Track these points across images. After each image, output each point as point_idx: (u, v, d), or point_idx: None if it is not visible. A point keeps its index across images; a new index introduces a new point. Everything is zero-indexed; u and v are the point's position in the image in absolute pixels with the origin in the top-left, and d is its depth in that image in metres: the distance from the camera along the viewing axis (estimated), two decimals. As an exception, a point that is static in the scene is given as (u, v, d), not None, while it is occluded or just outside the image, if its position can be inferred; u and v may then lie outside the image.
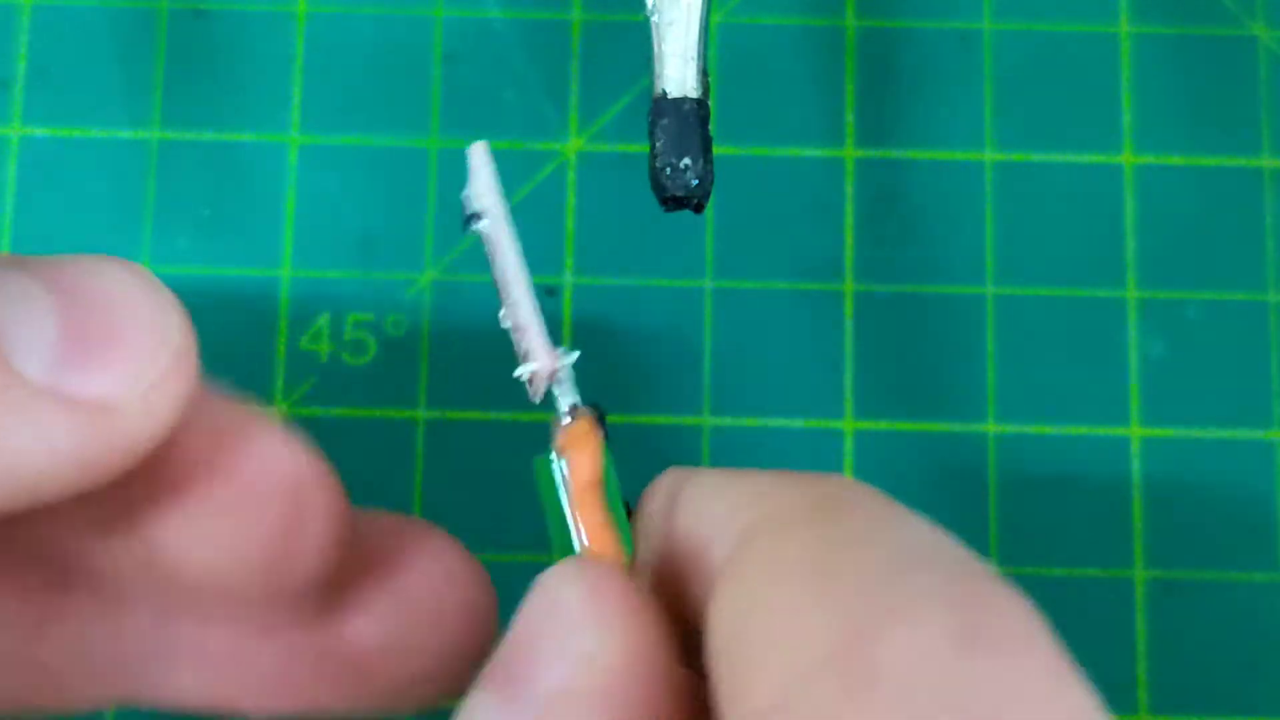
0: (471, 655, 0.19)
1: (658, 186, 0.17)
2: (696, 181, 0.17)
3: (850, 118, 0.28)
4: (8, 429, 0.16)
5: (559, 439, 0.16)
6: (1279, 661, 0.26)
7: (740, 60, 0.28)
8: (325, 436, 0.27)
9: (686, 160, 0.17)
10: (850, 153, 0.28)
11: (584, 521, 0.16)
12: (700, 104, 0.17)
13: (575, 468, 0.16)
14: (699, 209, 0.18)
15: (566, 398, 0.16)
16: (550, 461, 0.16)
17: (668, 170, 0.17)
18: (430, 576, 0.20)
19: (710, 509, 0.16)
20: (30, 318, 0.16)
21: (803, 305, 0.28)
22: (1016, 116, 0.28)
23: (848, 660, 0.13)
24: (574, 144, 0.28)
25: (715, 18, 0.28)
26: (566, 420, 0.16)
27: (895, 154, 0.28)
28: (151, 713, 0.21)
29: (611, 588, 0.15)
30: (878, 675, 0.12)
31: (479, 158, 0.17)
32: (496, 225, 0.16)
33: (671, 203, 0.17)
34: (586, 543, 0.16)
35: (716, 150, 0.28)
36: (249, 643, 0.20)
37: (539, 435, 0.27)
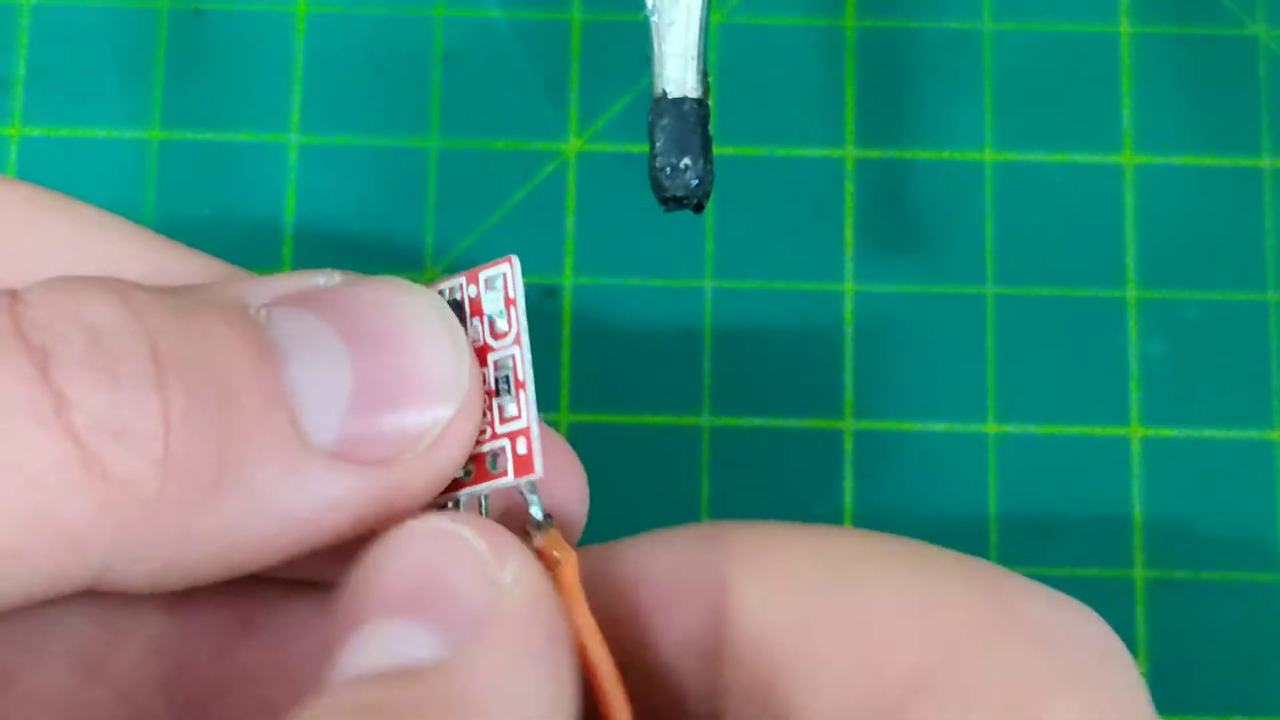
0: None
1: (657, 186, 0.17)
2: (696, 181, 0.17)
3: (850, 118, 0.28)
4: (290, 492, 0.15)
5: (538, 544, 0.16)
6: (1279, 661, 0.26)
7: (740, 60, 0.28)
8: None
9: (686, 160, 0.17)
10: (850, 153, 0.28)
11: (576, 617, 0.16)
12: (700, 104, 0.17)
13: (560, 572, 0.16)
14: (699, 209, 0.17)
15: (537, 508, 0.16)
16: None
17: (668, 170, 0.17)
18: None
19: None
20: (324, 372, 0.15)
21: (803, 305, 0.28)
22: (1016, 116, 0.28)
23: None
24: (574, 144, 0.28)
25: (715, 18, 0.28)
26: (541, 527, 0.16)
27: (895, 154, 0.28)
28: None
29: (509, 539, 0.16)
30: None
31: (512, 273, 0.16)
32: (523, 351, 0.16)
33: (671, 203, 0.17)
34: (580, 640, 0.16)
35: (716, 150, 0.28)
36: None
37: (539, 435, 0.27)
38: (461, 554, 0.15)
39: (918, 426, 0.27)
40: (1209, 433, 0.27)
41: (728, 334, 0.28)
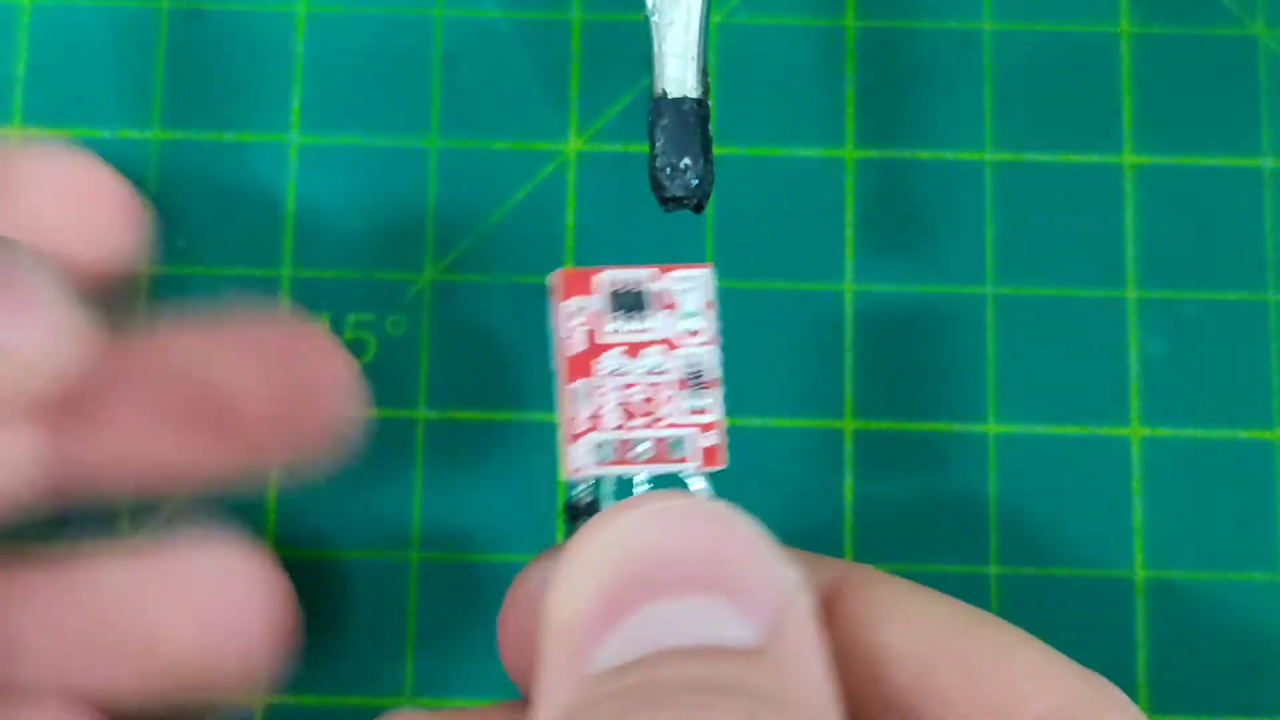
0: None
1: (657, 186, 0.17)
2: (696, 181, 0.17)
3: (850, 118, 0.28)
4: None
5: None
6: (1279, 661, 0.26)
7: (740, 60, 0.28)
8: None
9: (686, 160, 0.17)
10: (850, 153, 0.28)
11: None
12: (700, 104, 0.17)
13: None
14: (699, 209, 0.17)
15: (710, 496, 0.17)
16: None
17: (668, 170, 0.17)
18: None
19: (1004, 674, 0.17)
20: None
21: (803, 305, 0.28)
22: (1016, 116, 0.28)
23: None
24: (574, 144, 0.28)
25: (715, 18, 0.28)
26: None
27: (895, 154, 0.28)
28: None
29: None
30: None
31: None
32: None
33: (671, 203, 0.17)
34: None
35: (716, 150, 0.28)
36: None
37: (539, 435, 0.27)
38: (749, 542, 0.15)
39: (918, 426, 0.27)
40: (1209, 433, 0.27)
41: (727, 334, 0.28)
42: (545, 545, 0.27)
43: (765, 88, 0.29)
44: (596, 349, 0.17)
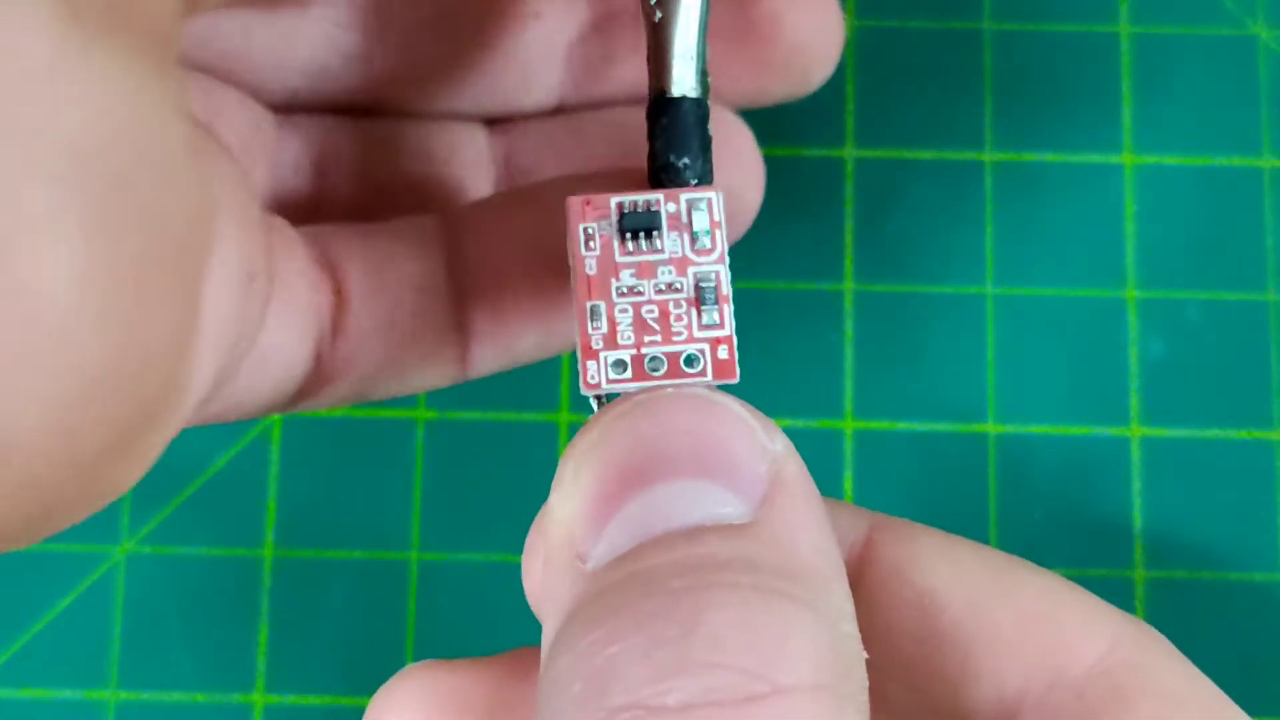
0: None
1: (657, 186, 0.17)
2: (696, 181, 0.17)
3: (850, 118, 0.28)
4: None
5: None
6: (1279, 661, 0.26)
7: (740, 60, 0.28)
8: (325, 436, 0.27)
9: (686, 159, 0.17)
10: (850, 153, 0.28)
11: None
12: (699, 103, 0.17)
13: None
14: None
15: None
16: None
17: (667, 169, 0.17)
18: None
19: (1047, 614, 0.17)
20: None
21: (803, 305, 0.28)
22: (1016, 116, 0.28)
23: None
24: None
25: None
26: None
27: (895, 154, 0.28)
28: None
29: (761, 413, 0.16)
30: None
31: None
32: None
33: None
34: None
35: (716, 150, 0.28)
36: None
37: (539, 435, 0.27)
38: (733, 421, 0.16)
39: (918, 426, 0.27)
40: (1209, 433, 0.27)
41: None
42: (545, 545, 0.27)
43: (765, 88, 0.29)
44: (611, 270, 0.17)
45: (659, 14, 0.17)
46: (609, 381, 0.17)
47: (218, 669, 0.26)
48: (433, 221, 0.21)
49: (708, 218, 0.17)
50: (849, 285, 0.28)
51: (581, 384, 0.17)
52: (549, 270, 0.21)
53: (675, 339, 0.17)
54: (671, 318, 0.17)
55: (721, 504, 0.15)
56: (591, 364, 0.17)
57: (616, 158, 0.21)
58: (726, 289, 0.17)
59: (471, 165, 0.22)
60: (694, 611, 0.14)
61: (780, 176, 0.28)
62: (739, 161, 0.21)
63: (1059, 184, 0.28)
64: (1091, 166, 0.28)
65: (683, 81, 0.17)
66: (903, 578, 0.18)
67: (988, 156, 0.28)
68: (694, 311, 0.17)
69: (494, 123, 0.22)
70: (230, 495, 0.27)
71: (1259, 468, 0.27)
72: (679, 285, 0.17)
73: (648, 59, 0.18)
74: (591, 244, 0.17)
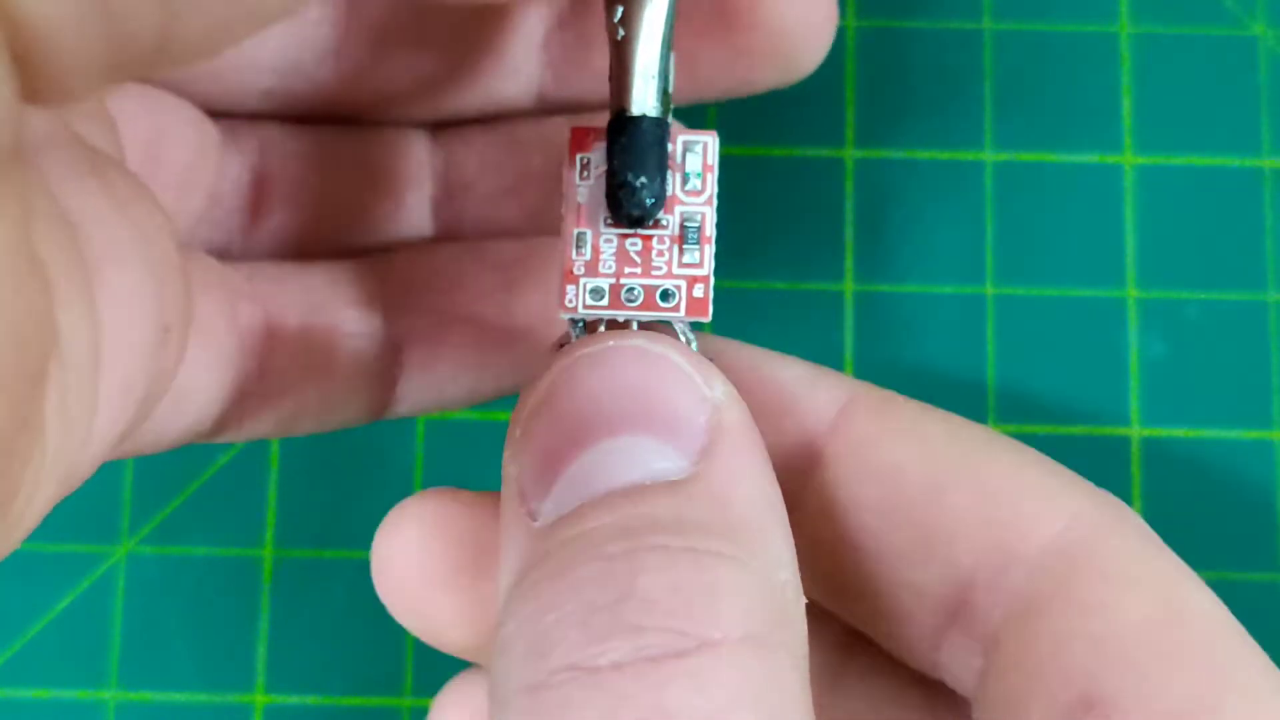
0: None
1: (614, 203, 0.17)
2: (653, 201, 0.17)
3: (850, 118, 0.28)
4: None
5: None
6: (1279, 661, 0.26)
7: (740, 60, 0.28)
8: (325, 436, 0.27)
9: (643, 179, 0.17)
10: (850, 153, 0.28)
11: None
12: (659, 123, 0.17)
13: None
14: (656, 225, 0.18)
15: (695, 346, 0.18)
16: None
17: (624, 188, 0.17)
18: None
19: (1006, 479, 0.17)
20: None
21: (803, 305, 0.28)
22: (1016, 116, 0.28)
23: None
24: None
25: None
26: None
27: (895, 154, 0.28)
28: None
29: (703, 359, 0.16)
30: None
31: None
32: None
33: (627, 221, 0.17)
34: None
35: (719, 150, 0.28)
36: None
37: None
38: (672, 372, 0.16)
39: (918, 426, 0.27)
40: (1209, 433, 0.27)
41: (728, 334, 0.28)
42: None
43: (765, 88, 0.29)
44: (601, 201, 0.18)
45: (621, 32, 0.17)
46: (585, 307, 0.18)
47: (218, 669, 0.26)
48: (371, 265, 0.21)
49: (701, 160, 0.18)
50: (849, 285, 0.28)
51: (559, 306, 0.18)
52: (488, 324, 0.21)
53: (654, 273, 0.18)
54: (654, 253, 0.18)
55: (661, 458, 0.15)
56: (570, 288, 0.18)
57: (554, 171, 0.21)
58: (710, 230, 0.18)
59: (412, 177, 0.22)
60: (628, 577, 0.14)
61: (780, 176, 0.28)
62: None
63: (1059, 184, 0.28)
64: (1091, 166, 0.28)
65: (643, 100, 0.17)
66: (869, 451, 0.18)
67: (988, 156, 0.28)
68: (676, 249, 0.18)
69: (438, 129, 0.22)
70: (230, 495, 0.27)
71: (1259, 468, 0.27)
72: (665, 222, 0.18)
73: (609, 77, 0.18)
74: (586, 173, 0.18)
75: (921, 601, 0.17)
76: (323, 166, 0.22)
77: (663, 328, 0.18)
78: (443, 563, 0.18)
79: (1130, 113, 0.28)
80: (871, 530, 0.18)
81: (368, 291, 0.21)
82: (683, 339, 0.18)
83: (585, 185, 0.18)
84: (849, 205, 0.28)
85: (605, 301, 0.18)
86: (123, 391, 0.15)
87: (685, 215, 0.18)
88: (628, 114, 0.17)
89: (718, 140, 0.18)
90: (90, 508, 0.27)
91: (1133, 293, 0.28)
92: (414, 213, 0.22)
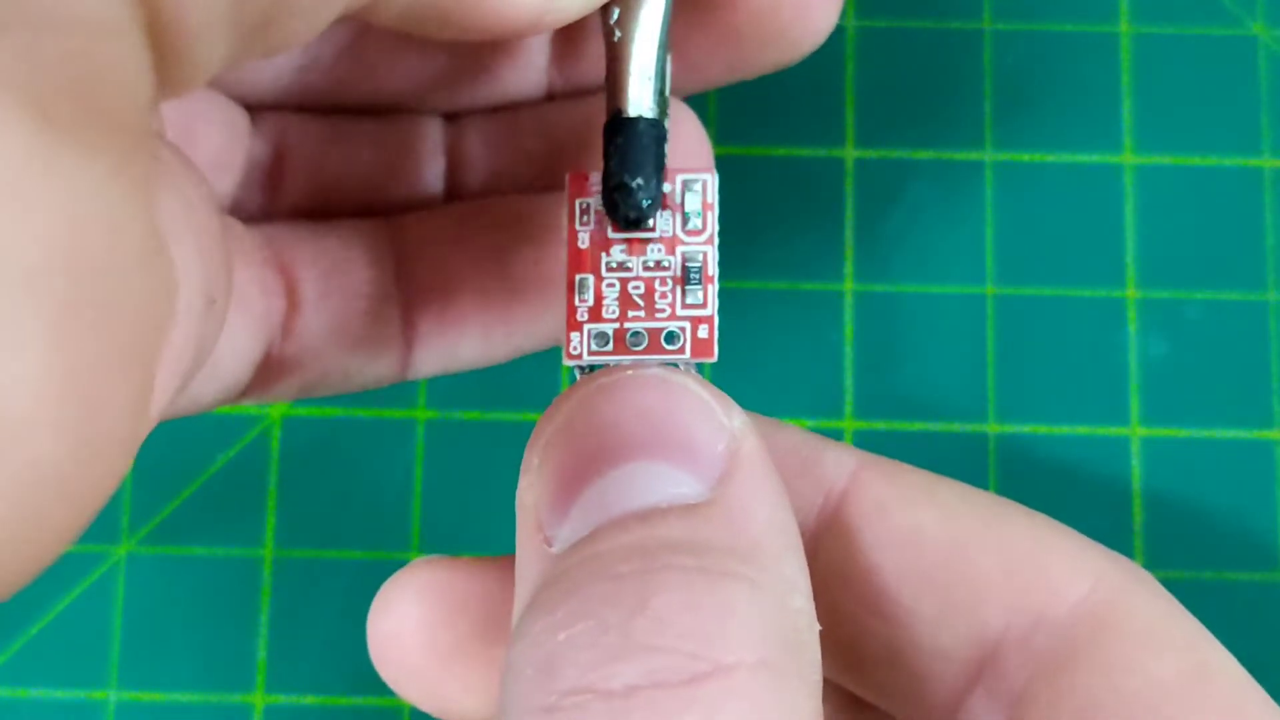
0: None
1: (610, 205, 0.17)
2: (649, 202, 0.17)
3: (850, 118, 0.28)
4: None
5: None
6: (1279, 661, 0.26)
7: (740, 60, 0.28)
8: (325, 436, 0.27)
9: (639, 180, 0.17)
10: (850, 153, 0.28)
11: None
12: (656, 124, 0.17)
13: None
14: (651, 229, 0.18)
15: None
16: None
17: (620, 189, 0.17)
18: None
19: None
20: None
21: (803, 305, 0.28)
22: (1016, 116, 0.28)
23: None
24: (574, 144, 0.28)
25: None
26: None
27: (895, 154, 0.28)
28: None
29: (720, 391, 0.17)
30: None
31: None
32: None
33: (623, 222, 0.17)
34: None
35: (718, 151, 0.28)
36: None
37: (539, 435, 0.27)
38: (690, 400, 0.16)
39: (918, 426, 0.27)
40: (1209, 433, 0.27)
41: (728, 334, 0.27)
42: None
43: (765, 88, 0.28)
44: (602, 245, 0.18)
45: (618, 33, 0.17)
46: (590, 354, 0.17)
47: (218, 669, 0.26)
48: (383, 226, 0.21)
49: (701, 199, 0.18)
50: (849, 285, 0.28)
51: (564, 355, 0.18)
52: (493, 280, 0.21)
53: (658, 315, 0.18)
54: (656, 295, 0.18)
55: (678, 484, 0.15)
56: (575, 336, 0.18)
57: (546, 155, 0.22)
58: (713, 270, 0.18)
59: (426, 159, 0.22)
60: (640, 595, 0.14)
61: (780, 176, 0.28)
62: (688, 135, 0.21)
63: (1059, 184, 0.28)
64: (1091, 166, 0.28)
65: (639, 102, 0.17)
66: (886, 516, 0.18)
67: (988, 156, 0.28)
68: (679, 290, 0.18)
69: (450, 117, 0.23)
70: (230, 495, 0.27)
71: (1259, 468, 0.27)
72: (666, 264, 0.18)
73: (606, 78, 0.18)
74: (585, 218, 0.18)
75: (943, 664, 0.17)
76: (338, 145, 0.22)
77: None
78: (447, 635, 0.18)
79: (1130, 113, 0.28)
80: (891, 594, 0.18)
81: (382, 252, 0.21)
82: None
83: (585, 230, 0.18)
84: (849, 205, 0.28)
85: (610, 347, 0.18)
86: (173, 362, 0.15)
87: (687, 255, 0.18)
88: (624, 115, 0.17)
89: (717, 179, 0.18)
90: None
91: (1133, 293, 0.28)
92: (427, 187, 0.22)
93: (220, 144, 0.20)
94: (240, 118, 0.21)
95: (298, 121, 0.22)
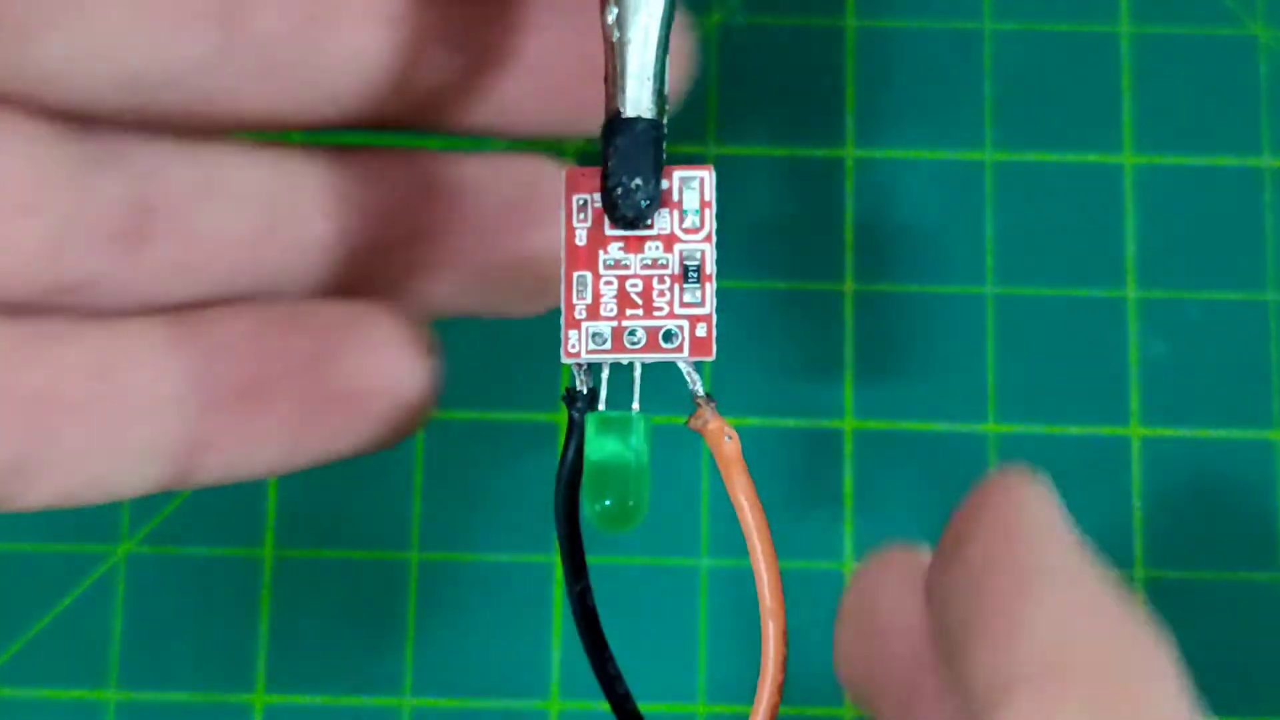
0: None
1: (609, 206, 0.17)
2: (648, 203, 0.17)
3: (850, 118, 0.28)
4: None
5: (710, 424, 0.18)
6: (1279, 661, 0.26)
7: (740, 60, 0.28)
8: (325, 436, 0.27)
9: (638, 181, 0.17)
10: (850, 153, 0.28)
11: (741, 488, 0.18)
12: (655, 125, 0.17)
13: (728, 447, 0.18)
14: (649, 227, 0.18)
15: (701, 386, 0.18)
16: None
17: (619, 190, 0.17)
18: None
19: None
20: None
21: (803, 305, 0.28)
22: (1016, 116, 0.28)
23: None
24: (574, 143, 0.28)
25: (715, 18, 0.28)
26: (707, 405, 0.18)
27: (895, 154, 0.28)
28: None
29: None
30: None
31: None
32: None
33: (622, 222, 0.17)
34: (745, 506, 0.18)
35: (718, 150, 0.28)
36: None
37: (539, 435, 0.27)
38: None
39: (918, 426, 0.27)
40: (1209, 433, 0.27)
41: (727, 334, 0.27)
42: (546, 544, 0.27)
43: (765, 88, 0.29)
44: (599, 242, 0.18)
45: (617, 33, 0.17)
46: (588, 352, 0.17)
47: (218, 669, 0.26)
48: (169, 325, 0.19)
49: (699, 196, 0.18)
50: (849, 285, 0.28)
51: (562, 352, 0.18)
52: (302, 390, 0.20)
53: (656, 314, 0.18)
54: (654, 293, 0.18)
55: None
56: (573, 333, 0.18)
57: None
58: (711, 268, 0.18)
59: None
60: None
61: (780, 176, 0.28)
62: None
63: (1059, 184, 0.28)
64: (1091, 166, 0.28)
65: (638, 102, 0.17)
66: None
67: (988, 156, 0.28)
68: (677, 288, 0.18)
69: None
70: (230, 495, 0.27)
71: (1259, 468, 0.27)
72: (664, 262, 0.18)
73: (605, 79, 0.18)
74: (583, 215, 0.18)
75: None
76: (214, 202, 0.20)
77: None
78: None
79: (1130, 113, 0.28)
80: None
81: (169, 356, 0.20)
82: (688, 380, 0.18)
83: (583, 227, 0.18)
84: (849, 205, 0.28)
85: (608, 345, 0.18)
86: None
87: (685, 254, 0.18)
88: (623, 116, 0.17)
89: (714, 175, 0.18)
90: (90, 508, 0.27)
91: (1133, 293, 0.28)
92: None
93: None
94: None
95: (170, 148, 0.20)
